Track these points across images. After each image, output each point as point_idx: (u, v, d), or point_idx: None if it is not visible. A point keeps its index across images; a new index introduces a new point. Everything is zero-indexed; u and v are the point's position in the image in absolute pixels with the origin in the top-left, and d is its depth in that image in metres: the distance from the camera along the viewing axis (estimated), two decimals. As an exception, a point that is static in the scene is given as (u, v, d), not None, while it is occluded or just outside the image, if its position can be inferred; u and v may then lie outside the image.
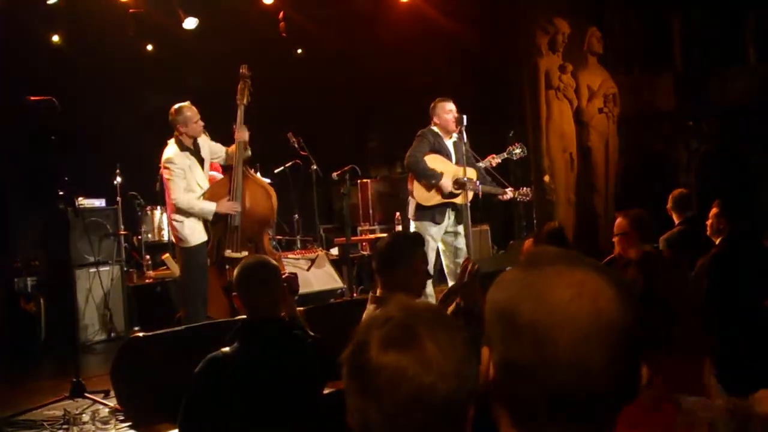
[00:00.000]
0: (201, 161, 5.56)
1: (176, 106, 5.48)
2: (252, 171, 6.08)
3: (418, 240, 3.25)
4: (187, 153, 5.45)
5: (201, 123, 5.49)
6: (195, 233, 5.50)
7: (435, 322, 1.12)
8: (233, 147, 5.65)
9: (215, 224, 5.61)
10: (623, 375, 0.90)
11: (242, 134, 5.59)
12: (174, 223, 5.52)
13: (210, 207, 5.48)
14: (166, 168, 5.41)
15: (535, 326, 0.89)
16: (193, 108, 5.48)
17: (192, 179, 5.47)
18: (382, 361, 1.08)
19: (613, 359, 0.88)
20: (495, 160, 6.17)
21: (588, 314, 0.88)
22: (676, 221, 5.48)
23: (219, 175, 6.18)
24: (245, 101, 5.62)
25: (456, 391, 1.08)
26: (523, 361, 0.91)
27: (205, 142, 5.61)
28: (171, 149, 5.44)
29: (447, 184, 5.84)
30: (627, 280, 0.96)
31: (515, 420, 0.95)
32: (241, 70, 5.68)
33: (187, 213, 5.45)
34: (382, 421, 1.07)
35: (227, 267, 5.60)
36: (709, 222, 4.74)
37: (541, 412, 0.91)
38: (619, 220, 4.31)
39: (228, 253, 5.61)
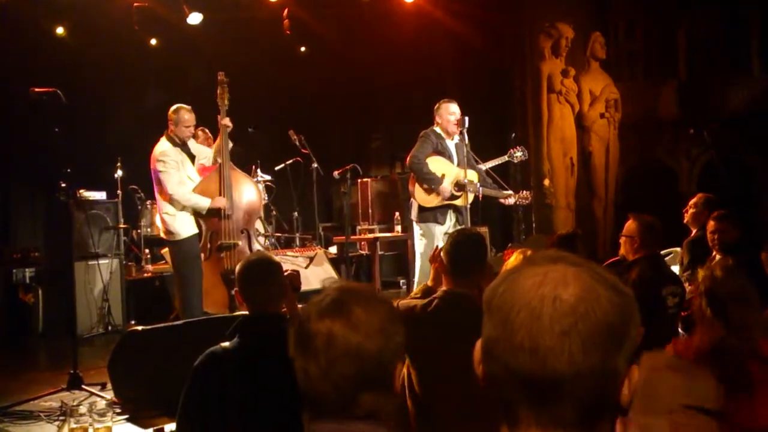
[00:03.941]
0: (191, 158, 5.74)
1: (177, 105, 5.66)
2: (253, 168, 6.14)
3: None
4: (179, 149, 5.63)
5: (191, 130, 5.69)
6: (186, 226, 5.63)
7: (363, 295, 1.41)
8: (218, 141, 5.82)
9: (208, 218, 5.73)
10: (584, 364, 0.91)
11: (226, 121, 5.77)
12: (165, 216, 5.61)
13: (204, 202, 5.64)
14: (160, 161, 5.53)
15: (501, 307, 0.96)
16: (192, 114, 5.66)
17: (184, 173, 5.63)
18: (319, 327, 1.36)
19: (569, 345, 0.91)
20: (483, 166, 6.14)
21: (543, 298, 0.93)
22: (694, 228, 5.40)
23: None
24: (226, 103, 5.81)
25: (382, 347, 1.36)
26: (490, 339, 0.97)
27: (192, 143, 5.82)
28: (164, 144, 5.61)
29: (446, 189, 5.84)
30: (618, 280, 0.98)
31: (500, 410, 0.99)
32: (218, 77, 5.87)
33: (179, 206, 5.56)
34: (320, 375, 1.35)
35: (223, 255, 5.73)
36: (716, 236, 4.67)
37: (510, 395, 0.95)
38: (629, 222, 4.25)
39: (223, 240, 5.72)
